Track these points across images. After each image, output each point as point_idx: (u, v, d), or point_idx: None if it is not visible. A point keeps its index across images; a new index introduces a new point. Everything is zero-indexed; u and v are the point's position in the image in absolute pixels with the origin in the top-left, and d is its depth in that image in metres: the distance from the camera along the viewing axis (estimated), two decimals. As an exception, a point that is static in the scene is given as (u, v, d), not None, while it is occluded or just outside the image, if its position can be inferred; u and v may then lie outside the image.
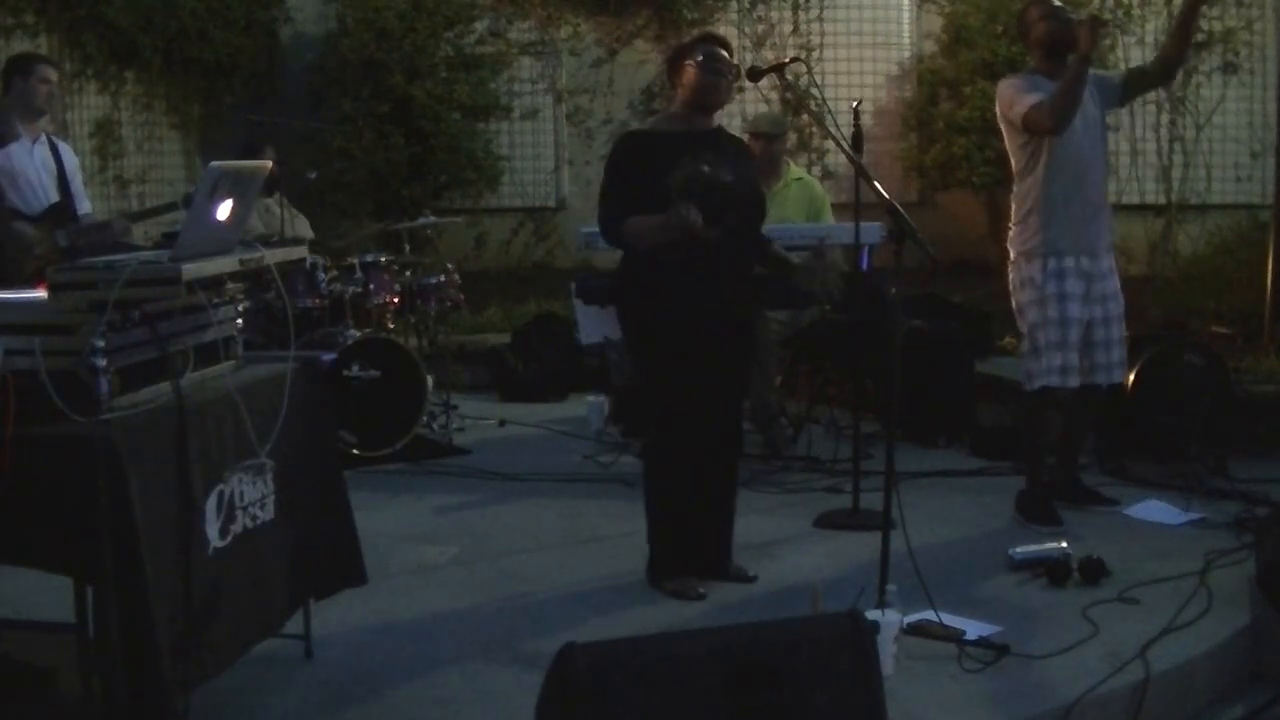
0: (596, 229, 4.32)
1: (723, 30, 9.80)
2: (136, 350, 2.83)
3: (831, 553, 4.60)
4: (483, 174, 10.04)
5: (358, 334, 6.12)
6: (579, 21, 10.24)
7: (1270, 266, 6.57)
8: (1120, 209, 4.99)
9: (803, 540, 4.78)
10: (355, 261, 6.39)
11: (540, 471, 5.83)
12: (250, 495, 3.14)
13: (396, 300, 6.52)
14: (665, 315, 4.10)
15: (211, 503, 2.97)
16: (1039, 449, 4.98)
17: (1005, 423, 6.19)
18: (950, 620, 3.73)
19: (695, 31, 9.25)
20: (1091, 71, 4.61)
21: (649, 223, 4.01)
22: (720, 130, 4.31)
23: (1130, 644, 3.61)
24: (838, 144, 4.46)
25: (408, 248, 6.93)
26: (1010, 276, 4.90)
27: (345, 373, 5.91)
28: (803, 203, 6.20)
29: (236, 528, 3.08)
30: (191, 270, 2.81)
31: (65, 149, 5.62)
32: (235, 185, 3.01)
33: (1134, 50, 9.12)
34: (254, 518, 3.16)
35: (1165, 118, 9.57)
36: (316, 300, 6.16)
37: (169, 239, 4.53)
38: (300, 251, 3.78)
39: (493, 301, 8.83)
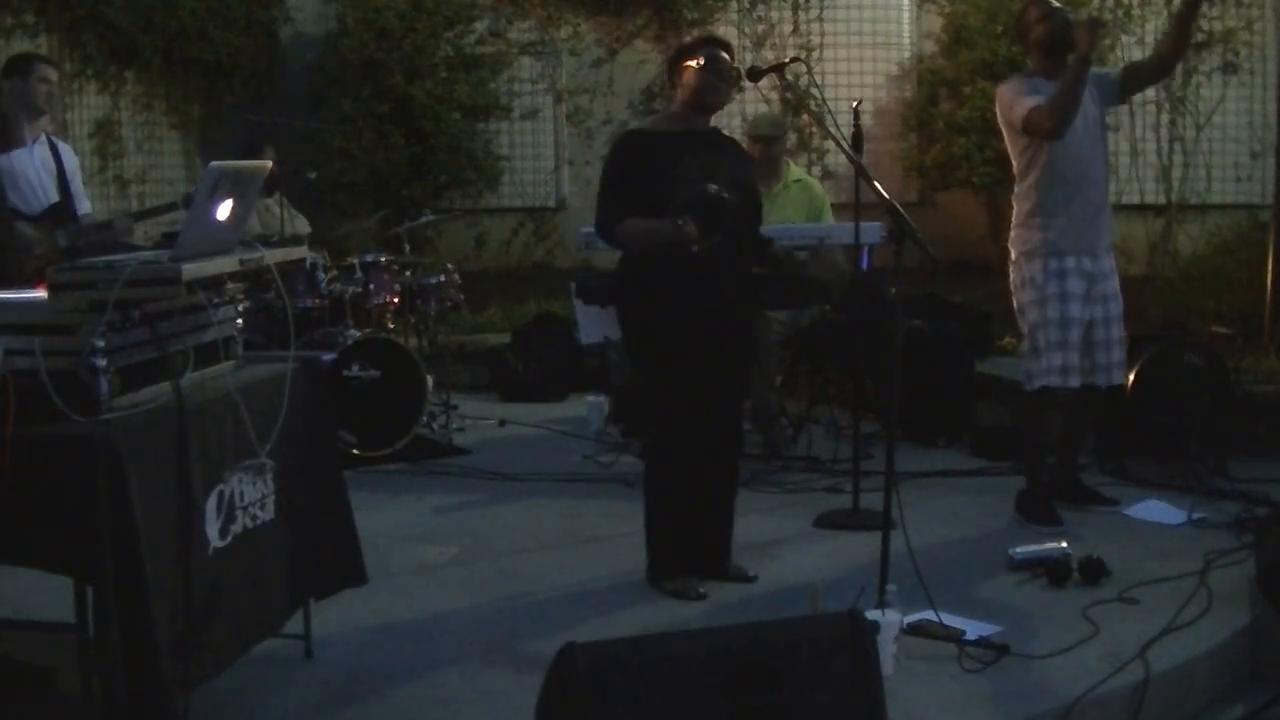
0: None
1: (722, 30, 9.82)
2: (136, 350, 2.83)
3: (831, 553, 4.60)
4: (483, 174, 10.05)
5: (358, 334, 6.12)
6: (579, 21, 10.24)
7: (1270, 266, 6.57)
8: (1120, 209, 4.99)
9: (803, 540, 4.78)
10: (355, 261, 6.39)
11: (540, 471, 5.83)
12: (250, 495, 3.14)
13: (396, 300, 6.52)
14: (664, 315, 4.10)
15: (211, 503, 2.97)
16: (1039, 449, 4.98)
17: (1005, 423, 6.19)
18: (950, 620, 3.73)
19: (696, 32, 9.28)
20: (1090, 70, 4.61)
21: (645, 226, 4.02)
22: (717, 131, 4.31)
23: (1130, 644, 3.61)
24: (838, 144, 4.47)
25: (408, 248, 6.93)
26: (1011, 277, 4.90)
27: (345, 373, 5.91)
28: (803, 203, 6.20)
29: (236, 528, 3.08)
30: (191, 270, 2.81)
31: (65, 149, 5.61)
32: (235, 185, 3.01)
33: (1134, 50, 9.11)
34: (254, 518, 3.16)
35: (1165, 118, 9.57)
36: (316, 300, 6.16)
37: (169, 239, 4.53)
38: (300, 251, 3.79)
39: (493, 301, 8.83)
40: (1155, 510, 4.97)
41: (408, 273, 6.72)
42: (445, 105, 9.72)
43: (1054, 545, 4.32)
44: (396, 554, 4.61)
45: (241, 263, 3.10)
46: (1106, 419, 5.47)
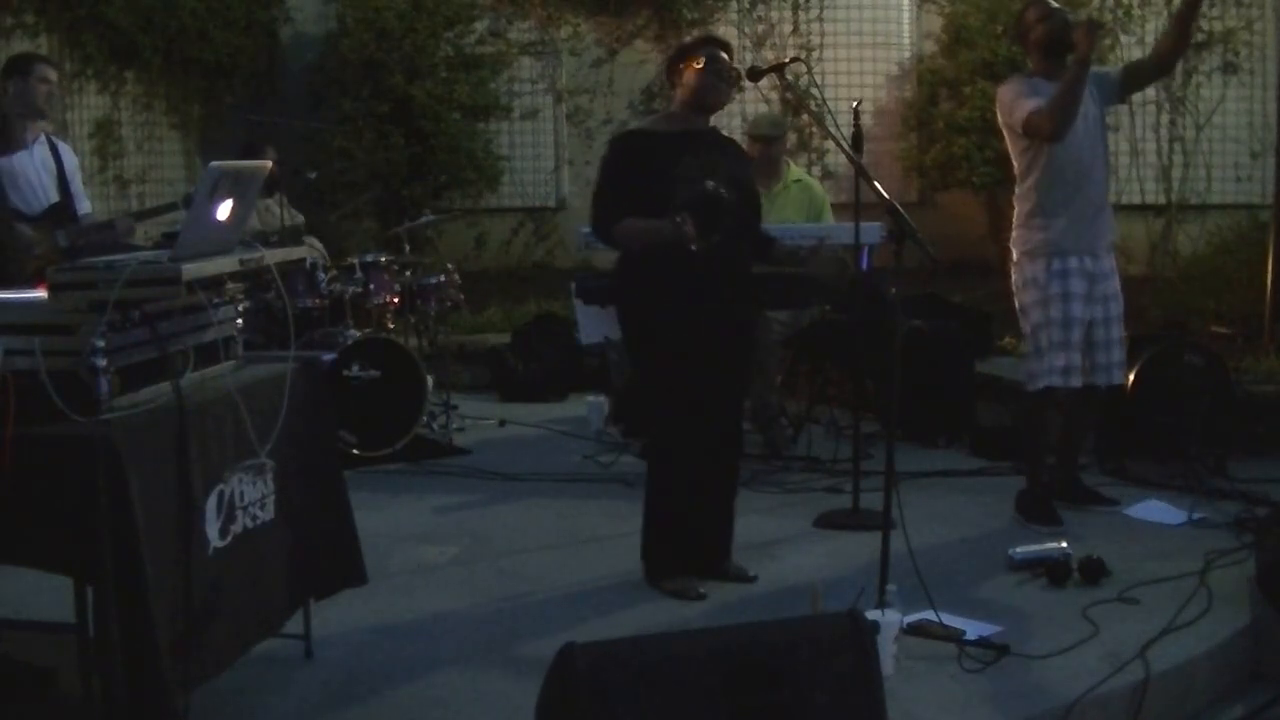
0: (596, 228, 4.32)
1: (722, 30, 9.82)
2: (136, 350, 2.83)
3: (831, 553, 4.60)
4: (483, 174, 10.05)
5: (358, 334, 6.12)
6: (579, 21, 10.24)
7: (1270, 266, 6.57)
8: (1120, 209, 4.99)
9: (803, 540, 4.78)
10: (355, 261, 6.39)
11: (540, 471, 5.83)
12: (250, 495, 3.14)
13: (396, 300, 6.52)
14: (664, 315, 4.10)
15: (211, 503, 2.97)
16: (1039, 449, 4.98)
17: (1005, 423, 6.19)
18: (950, 620, 3.73)
19: (696, 32, 9.28)
20: (1090, 70, 4.61)
21: (643, 226, 4.02)
22: (716, 131, 4.31)
23: (1130, 644, 3.61)
24: (838, 144, 4.46)
25: (408, 248, 6.94)
26: (1013, 277, 4.90)
27: (345, 373, 5.91)
28: (803, 204, 6.20)
29: (236, 528, 3.08)
30: (191, 270, 2.81)
31: (65, 149, 5.61)
32: (235, 185, 3.01)
33: (1134, 50, 9.11)
34: (254, 518, 3.16)
35: (1165, 118, 9.57)
36: (316, 300, 6.16)
37: (169, 239, 4.52)
38: (300, 251, 3.78)
39: (493, 301, 8.84)
40: (1155, 510, 4.97)
41: (408, 273, 6.72)
42: (445, 105, 9.73)
43: (1054, 545, 4.32)
44: (396, 554, 4.61)
45: (241, 263, 3.10)
46: (1106, 419, 5.47)
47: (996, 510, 5.04)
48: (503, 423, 6.95)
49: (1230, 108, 9.51)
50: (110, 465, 2.60)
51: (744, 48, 9.97)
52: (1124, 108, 8.89)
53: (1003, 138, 4.94)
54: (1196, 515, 4.87)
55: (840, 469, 5.52)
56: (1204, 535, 4.65)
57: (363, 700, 3.38)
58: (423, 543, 4.81)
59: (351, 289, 6.27)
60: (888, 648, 3.31)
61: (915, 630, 3.67)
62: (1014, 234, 4.89)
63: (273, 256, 3.25)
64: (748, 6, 10.10)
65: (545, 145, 10.55)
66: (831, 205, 6.39)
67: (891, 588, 3.74)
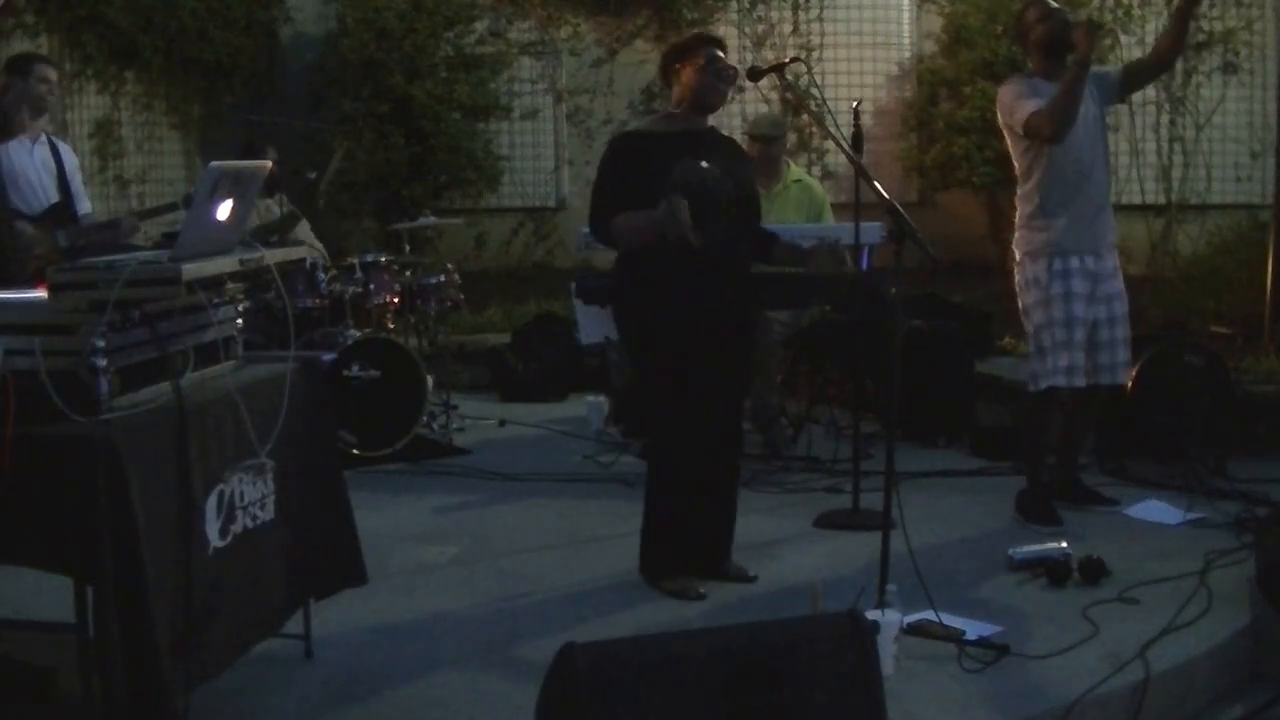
0: (596, 229, 4.32)
1: (722, 30, 9.81)
2: (136, 350, 2.83)
3: (831, 553, 4.60)
4: (483, 174, 10.05)
5: (358, 334, 6.12)
6: (579, 21, 10.24)
7: (1270, 266, 6.57)
8: (1120, 209, 4.98)
9: (803, 540, 4.78)
10: (355, 261, 6.39)
11: (540, 471, 5.83)
12: (250, 495, 3.14)
13: (396, 300, 6.52)
14: (663, 315, 4.09)
15: (211, 503, 2.97)
16: (1040, 449, 4.98)
17: (1005, 423, 6.19)
18: (950, 620, 3.73)
19: (691, 31, 9.27)
20: (1089, 71, 4.61)
21: (638, 218, 4.01)
22: (715, 130, 4.31)
23: (1130, 644, 3.61)
24: (838, 144, 4.46)
25: (408, 248, 6.94)
26: (1016, 278, 4.90)
27: (345, 373, 5.91)
28: (803, 204, 6.20)
29: (236, 528, 3.08)
30: (191, 270, 2.81)
31: (65, 149, 5.62)
32: (235, 185, 3.01)
33: (1134, 50, 9.11)
34: (254, 518, 3.16)
35: (1165, 118, 9.57)
36: (316, 300, 6.16)
37: (169, 239, 4.53)
38: (300, 251, 3.78)
39: (493, 301, 8.84)
40: (1155, 510, 4.97)
41: (408, 273, 6.72)
42: (445, 105, 9.73)
43: (1054, 545, 4.32)
44: (396, 554, 4.61)
45: (241, 263, 3.10)
46: (1106, 419, 5.47)
47: (996, 510, 5.04)
48: (503, 423, 6.95)
49: (1230, 108, 9.51)
50: (110, 465, 2.60)
51: (744, 48, 9.97)
52: (1124, 108, 8.90)
53: (1003, 138, 4.94)
54: (1196, 515, 4.86)
55: (840, 469, 5.52)
56: (1204, 535, 4.64)
57: (363, 700, 3.38)
58: (423, 543, 4.81)
59: (351, 289, 6.27)
60: (888, 648, 3.31)
61: (915, 630, 3.67)
62: (1016, 235, 4.89)
63: (273, 256, 3.25)
64: (748, 6, 10.10)
65: (545, 145, 10.55)
66: (831, 205, 6.39)
67: (891, 588, 3.73)
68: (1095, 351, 4.80)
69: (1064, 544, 4.32)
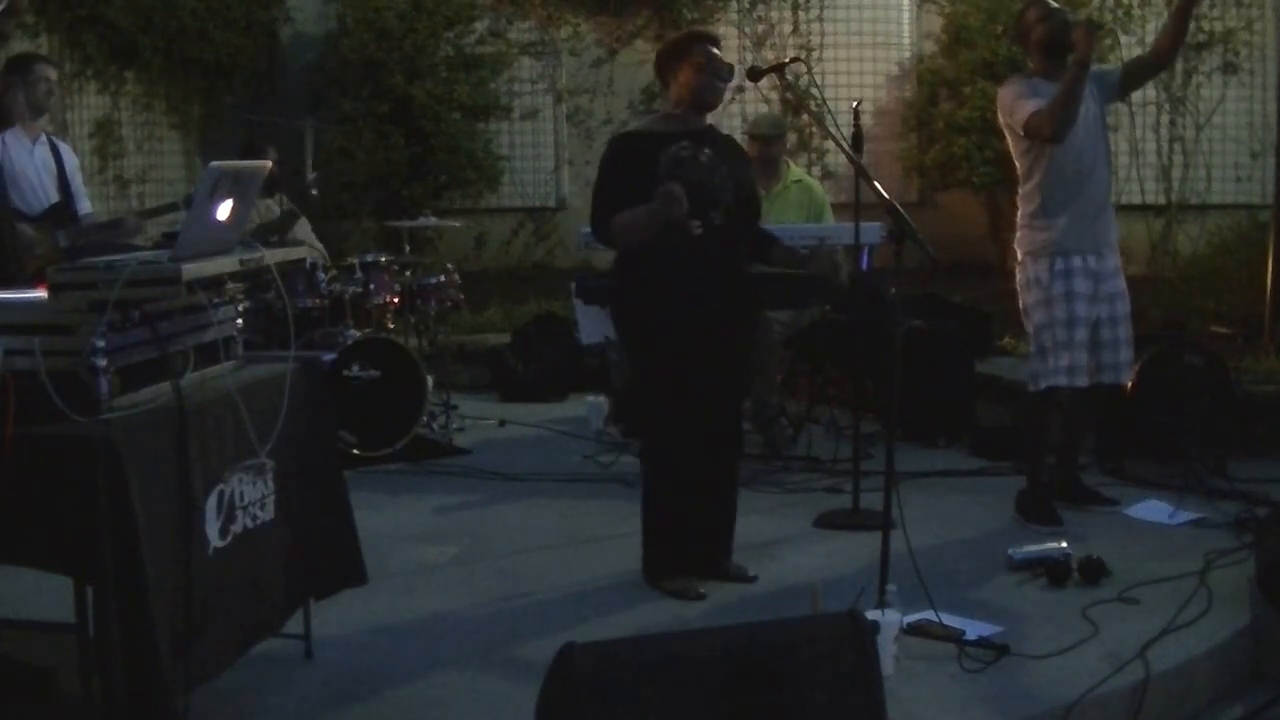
0: (596, 229, 4.32)
1: (722, 30, 9.79)
2: (136, 350, 2.83)
3: (831, 553, 4.60)
4: (483, 174, 10.05)
5: (358, 334, 6.12)
6: (579, 21, 10.24)
7: (1270, 266, 6.57)
8: (1120, 209, 4.99)
9: (803, 540, 4.78)
10: (355, 261, 6.39)
11: (540, 471, 5.83)
12: (250, 495, 3.14)
13: (396, 300, 6.52)
14: (660, 315, 4.09)
15: (211, 503, 2.97)
16: (1040, 449, 4.98)
17: (1005, 423, 6.19)
18: (950, 620, 3.73)
19: (684, 29, 9.27)
20: (1089, 70, 4.60)
21: (637, 214, 4.01)
22: (713, 129, 4.31)
23: (1130, 644, 3.61)
24: (838, 144, 4.46)
25: (408, 248, 6.94)
26: (1017, 277, 4.90)
27: (345, 373, 5.91)
28: (803, 204, 6.20)
29: (236, 528, 3.08)
30: (191, 270, 2.81)
31: (65, 149, 5.62)
32: (235, 185, 3.01)
33: (1134, 50, 9.09)
34: (254, 518, 3.16)
35: (1165, 118, 9.57)
36: (316, 300, 6.16)
37: (169, 239, 4.52)
38: (300, 251, 3.78)
39: (493, 301, 8.83)
40: (1155, 510, 4.97)
41: (408, 273, 6.72)
42: (445, 105, 9.73)
43: (1054, 545, 4.32)
44: (396, 554, 4.61)
45: (241, 263, 3.10)
46: (1106, 419, 5.47)
47: (996, 510, 5.04)
48: (503, 423, 6.95)
49: (1230, 108, 9.52)
50: (110, 465, 2.60)
51: (744, 48, 9.98)
52: (1124, 107, 8.91)
53: (1003, 138, 4.94)
54: (1196, 515, 4.86)
55: (840, 469, 5.52)
56: (1204, 535, 4.65)
57: (363, 700, 3.38)
58: (423, 543, 4.81)
59: (351, 289, 6.27)
60: (888, 648, 3.31)
61: (915, 630, 3.67)
62: (1017, 234, 4.89)
63: (273, 256, 3.25)
64: (748, 6, 10.10)
65: (545, 145, 10.55)
66: (831, 205, 6.39)
67: (891, 588, 3.73)
68: (1097, 351, 4.80)
69: (1064, 544, 4.32)
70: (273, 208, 6.69)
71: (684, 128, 4.19)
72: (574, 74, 10.40)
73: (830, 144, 9.42)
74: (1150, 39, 9.12)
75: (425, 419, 6.32)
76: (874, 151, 8.89)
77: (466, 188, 10.01)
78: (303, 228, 7.00)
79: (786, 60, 4.60)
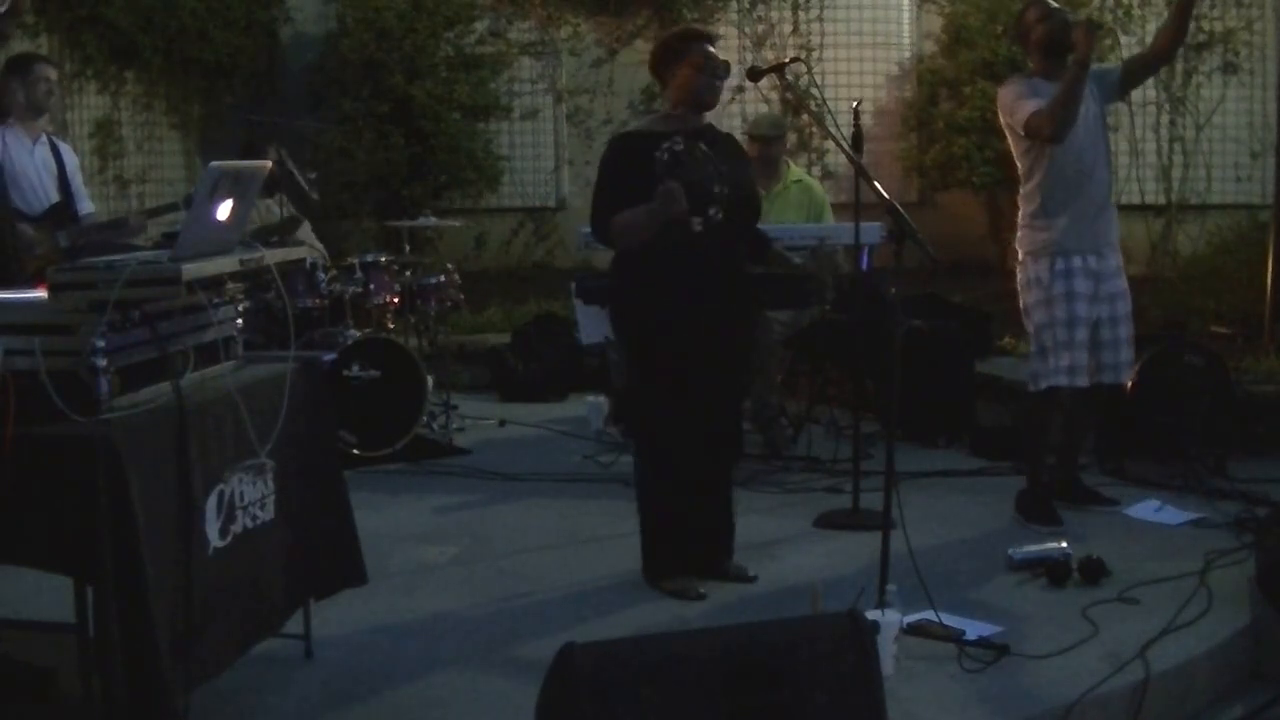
0: (595, 229, 4.32)
1: (722, 30, 9.81)
2: (136, 350, 2.83)
3: (831, 553, 4.59)
4: (483, 174, 10.05)
5: (358, 334, 6.12)
6: (579, 21, 10.24)
7: (1270, 266, 6.57)
8: (1120, 209, 4.98)
9: (803, 540, 4.78)
10: (355, 261, 6.39)
11: (540, 471, 5.83)
12: (250, 495, 3.14)
13: (396, 300, 6.52)
14: (660, 315, 4.09)
15: (211, 503, 2.97)
16: (1040, 449, 4.98)
17: (1005, 423, 6.19)
18: (950, 620, 3.73)
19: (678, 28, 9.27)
20: (1089, 70, 4.60)
21: (637, 213, 4.02)
22: (712, 127, 4.30)
23: (1130, 644, 3.61)
24: (838, 144, 4.46)
25: (408, 248, 6.94)
26: (1018, 277, 4.90)
27: (345, 373, 5.91)
28: (803, 204, 6.20)
29: (236, 528, 3.08)
30: (191, 270, 2.82)
31: (65, 149, 5.62)
32: (235, 185, 3.01)
33: (1134, 50, 9.11)
34: (254, 518, 3.16)
35: (1165, 118, 9.57)
36: (316, 300, 6.16)
37: (169, 239, 4.52)
38: (300, 251, 3.78)
39: (493, 301, 8.83)
40: (1155, 510, 4.97)
41: (408, 273, 6.72)
42: (445, 105, 9.73)
43: (1054, 545, 4.32)
44: (396, 554, 4.61)
45: (241, 263, 3.10)
46: (1106, 419, 5.47)
47: (996, 510, 5.04)
48: (503, 423, 6.95)
49: (1230, 108, 9.51)
50: (110, 465, 2.60)
51: (744, 48, 9.98)
52: (1124, 107, 8.90)
53: (1003, 137, 4.93)
54: (1196, 515, 4.86)
55: (840, 469, 5.52)
56: (1204, 535, 4.65)
57: (363, 700, 3.38)
58: (423, 543, 4.81)
59: (351, 289, 6.27)
60: (888, 648, 3.31)
61: (915, 630, 3.67)
62: (1018, 234, 4.89)
63: (273, 256, 3.25)
64: (748, 6, 10.10)
65: (545, 145, 10.55)
66: (831, 205, 6.39)
67: (891, 588, 3.73)
68: (1098, 351, 4.80)
69: (1064, 544, 4.32)
70: (273, 208, 6.69)
71: (683, 127, 4.18)
72: (574, 74, 10.40)
73: (830, 144, 9.42)
74: (1150, 39, 9.13)
75: (425, 419, 6.32)
76: (874, 151, 8.89)
77: (466, 188, 10.01)
78: (303, 228, 7.00)
79: (786, 60, 4.59)
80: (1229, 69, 9.49)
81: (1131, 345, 4.88)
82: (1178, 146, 9.59)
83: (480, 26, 10.18)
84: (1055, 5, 4.78)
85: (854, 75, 9.97)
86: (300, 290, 6.09)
